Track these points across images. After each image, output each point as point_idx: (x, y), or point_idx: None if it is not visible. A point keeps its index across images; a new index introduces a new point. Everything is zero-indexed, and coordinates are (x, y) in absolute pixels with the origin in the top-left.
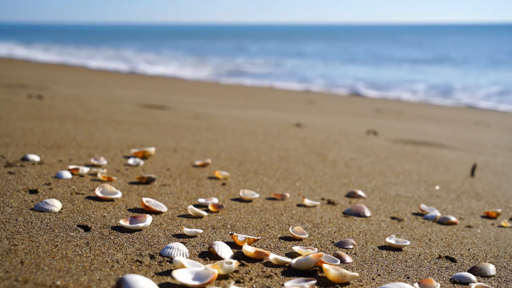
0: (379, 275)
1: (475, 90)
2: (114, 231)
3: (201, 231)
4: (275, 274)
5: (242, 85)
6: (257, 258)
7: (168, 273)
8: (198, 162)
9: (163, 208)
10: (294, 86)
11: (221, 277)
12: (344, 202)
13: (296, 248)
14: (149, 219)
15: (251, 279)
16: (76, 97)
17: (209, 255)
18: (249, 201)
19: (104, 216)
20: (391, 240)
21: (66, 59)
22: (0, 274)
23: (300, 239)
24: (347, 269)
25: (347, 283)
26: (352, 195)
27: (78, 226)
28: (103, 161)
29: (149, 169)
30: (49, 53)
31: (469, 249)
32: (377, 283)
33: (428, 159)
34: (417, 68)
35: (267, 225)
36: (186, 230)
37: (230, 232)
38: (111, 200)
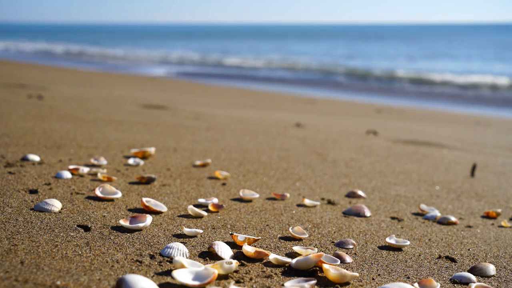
0: (379, 275)
1: None
2: (114, 231)
3: (201, 231)
4: (275, 274)
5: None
6: (257, 258)
7: (168, 273)
8: (198, 162)
9: (163, 208)
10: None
11: (221, 277)
12: (344, 202)
13: (296, 248)
14: (149, 219)
15: (251, 279)
16: (76, 97)
17: (209, 255)
18: (249, 201)
19: (104, 216)
20: (391, 240)
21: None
22: (0, 274)
23: (300, 239)
24: (347, 269)
25: (347, 283)
26: (352, 195)
27: (78, 226)
28: (103, 161)
29: (149, 169)
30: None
31: (469, 249)
32: (377, 283)
33: (428, 159)
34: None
35: (267, 225)
36: (186, 230)
37: (230, 232)
38: (111, 200)
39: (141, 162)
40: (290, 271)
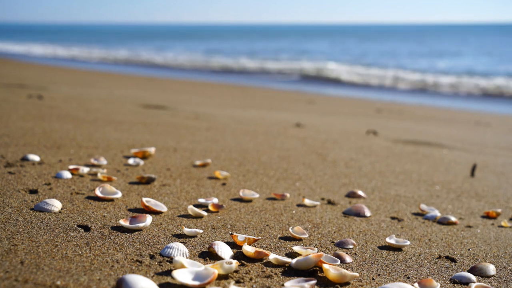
0: (379, 275)
1: None
2: (114, 231)
3: (201, 231)
4: (275, 274)
5: (242, 85)
6: (257, 258)
7: (168, 273)
8: (198, 162)
9: (163, 208)
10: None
11: (221, 277)
12: (344, 202)
13: (296, 248)
14: (149, 219)
15: (251, 279)
16: (76, 97)
17: (209, 255)
18: (249, 201)
19: (104, 216)
20: (391, 240)
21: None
22: (0, 274)
23: (300, 239)
24: (347, 269)
25: (347, 283)
26: (352, 195)
27: (78, 226)
28: (103, 161)
29: (149, 169)
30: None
31: (469, 249)
32: (377, 283)
33: (428, 159)
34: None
35: (267, 225)
36: (186, 230)
37: (230, 232)
38: (111, 200)
39: (141, 162)
40: (290, 271)
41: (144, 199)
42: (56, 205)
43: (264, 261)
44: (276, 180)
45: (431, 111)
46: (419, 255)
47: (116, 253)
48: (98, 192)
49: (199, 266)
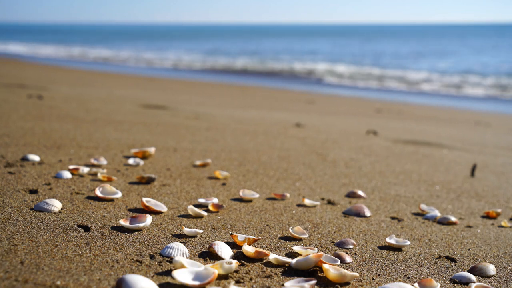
0: (379, 275)
1: None
2: (114, 231)
3: (201, 231)
4: (275, 274)
5: (241, 85)
6: (257, 258)
7: (168, 273)
8: (198, 162)
9: (163, 208)
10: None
11: (221, 277)
12: (344, 202)
13: (296, 248)
14: (149, 219)
15: (251, 279)
16: (76, 97)
17: (209, 255)
18: (249, 201)
19: (104, 216)
20: (391, 240)
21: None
22: (0, 274)
23: (300, 239)
24: (347, 269)
25: (347, 283)
26: (352, 195)
27: (78, 226)
28: (103, 161)
29: (149, 169)
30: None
31: (469, 249)
32: (377, 283)
33: (428, 159)
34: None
35: (267, 225)
36: (186, 230)
37: (230, 232)
38: (111, 200)
39: (141, 162)
40: (290, 271)
41: (144, 199)
42: (56, 205)
43: (264, 261)
44: (276, 180)
45: (431, 111)
46: (419, 255)
47: (116, 253)
48: (98, 192)
49: (199, 266)
